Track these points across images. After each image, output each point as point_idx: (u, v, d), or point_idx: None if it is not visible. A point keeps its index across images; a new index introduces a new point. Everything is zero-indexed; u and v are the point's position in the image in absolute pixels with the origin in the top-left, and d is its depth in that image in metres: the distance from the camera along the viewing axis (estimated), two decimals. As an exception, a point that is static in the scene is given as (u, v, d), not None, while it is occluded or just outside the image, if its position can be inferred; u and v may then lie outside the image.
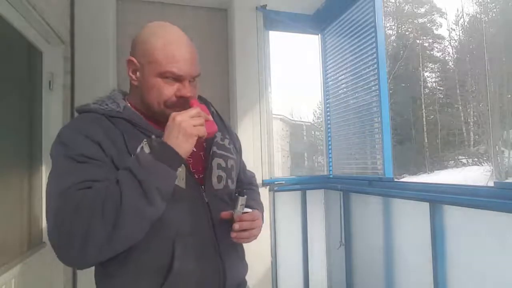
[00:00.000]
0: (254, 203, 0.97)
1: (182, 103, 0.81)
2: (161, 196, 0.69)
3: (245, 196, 0.82)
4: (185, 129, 0.71)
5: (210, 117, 0.79)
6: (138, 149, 0.74)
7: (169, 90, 0.80)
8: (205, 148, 0.89)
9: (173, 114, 0.73)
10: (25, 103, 1.54)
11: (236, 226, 0.80)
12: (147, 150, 0.70)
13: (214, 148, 0.89)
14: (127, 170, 0.68)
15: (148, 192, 0.67)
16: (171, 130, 0.72)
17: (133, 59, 0.82)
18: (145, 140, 0.77)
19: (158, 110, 0.81)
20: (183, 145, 0.71)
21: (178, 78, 0.80)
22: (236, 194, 0.82)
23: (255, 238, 0.86)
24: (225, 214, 0.83)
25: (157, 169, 0.68)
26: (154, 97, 0.80)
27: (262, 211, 0.99)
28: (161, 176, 0.69)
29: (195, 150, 0.87)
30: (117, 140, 0.76)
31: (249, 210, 0.85)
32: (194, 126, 0.72)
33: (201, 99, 1.00)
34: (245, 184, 1.06)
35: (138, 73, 0.82)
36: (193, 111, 0.74)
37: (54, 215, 0.67)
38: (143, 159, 0.68)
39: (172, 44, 0.80)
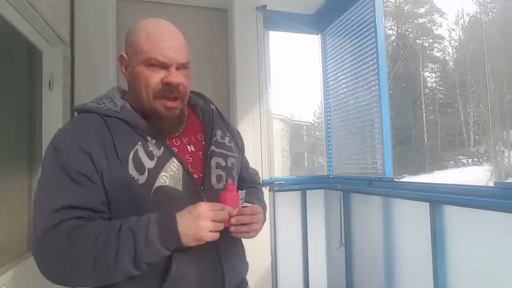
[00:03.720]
0: (257, 201, 0.96)
1: (170, 90, 0.79)
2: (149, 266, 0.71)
3: (244, 191, 0.82)
4: (200, 231, 0.70)
5: (236, 211, 0.78)
6: (131, 155, 0.75)
7: (155, 77, 0.78)
8: (204, 147, 0.88)
9: (201, 203, 0.72)
10: (25, 103, 1.54)
11: (234, 220, 0.79)
12: (155, 227, 0.69)
13: (213, 147, 0.88)
14: (132, 237, 0.68)
15: (140, 264, 0.69)
16: (187, 219, 0.71)
17: (123, 54, 0.83)
18: (139, 142, 0.77)
19: (148, 104, 0.80)
20: (189, 241, 0.71)
21: (163, 65, 0.78)
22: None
23: (256, 234, 0.84)
24: None
25: (158, 252, 0.69)
26: (142, 87, 0.79)
27: (264, 209, 0.97)
28: (157, 256, 0.70)
29: (193, 150, 0.86)
30: (108, 148, 0.75)
31: (249, 204, 0.84)
32: (210, 231, 0.71)
33: (201, 97, 0.99)
34: (247, 182, 1.05)
35: (129, 68, 0.82)
36: (222, 213, 0.73)
37: (41, 238, 0.69)
38: (150, 236, 0.69)
39: (157, 32, 0.79)
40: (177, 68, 0.79)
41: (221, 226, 0.73)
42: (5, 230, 1.30)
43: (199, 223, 0.69)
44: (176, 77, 0.78)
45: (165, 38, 0.78)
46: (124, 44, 0.85)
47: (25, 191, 1.47)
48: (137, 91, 0.81)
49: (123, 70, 0.84)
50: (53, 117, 1.68)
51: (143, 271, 0.71)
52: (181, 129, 0.88)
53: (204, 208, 0.71)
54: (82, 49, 1.89)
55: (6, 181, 1.32)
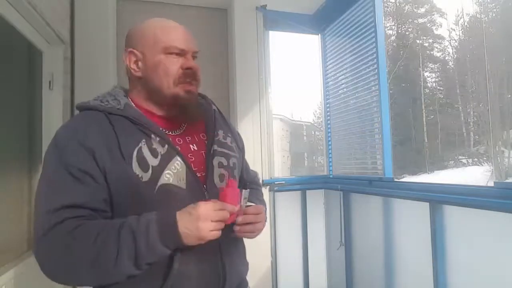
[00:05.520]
0: (258, 202, 0.96)
1: (190, 75, 0.83)
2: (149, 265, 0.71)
3: (248, 190, 0.82)
4: (200, 232, 0.70)
5: (237, 208, 0.77)
6: (135, 152, 0.74)
7: (175, 64, 0.82)
8: (207, 146, 0.88)
9: (200, 203, 0.72)
10: (25, 103, 1.54)
11: (239, 218, 0.79)
12: (155, 228, 0.69)
13: (215, 147, 0.88)
14: (132, 238, 0.68)
15: (141, 264, 0.69)
16: (187, 220, 0.70)
17: (133, 50, 0.83)
18: (143, 140, 0.77)
19: (169, 92, 0.82)
20: (190, 241, 0.71)
21: (181, 53, 0.82)
22: (239, 188, 0.82)
23: (259, 233, 0.85)
24: None
25: (159, 252, 0.70)
26: (162, 76, 0.81)
27: (265, 209, 0.98)
28: (158, 256, 0.70)
29: (196, 149, 0.87)
30: (112, 145, 0.75)
31: (252, 204, 0.84)
32: (211, 231, 0.71)
33: (203, 97, 0.99)
34: (248, 183, 1.05)
35: (140, 63, 0.83)
36: (222, 213, 0.73)
37: (41, 237, 0.69)
38: (151, 237, 0.68)
39: (170, 26, 0.85)
40: (192, 56, 0.85)
41: (222, 225, 0.73)
42: (5, 230, 1.30)
43: (198, 224, 0.70)
44: (193, 62, 0.84)
45: (179, 30, 0.85)
46: (129, 44, 0.85)
47: (25, 191, 1.47)
48: (155, 83, 0.82)
49: (132, 65, 0.84)
50: (53, 117, 1.68)
51: (144, 270, 0.71)
52: (184, 128, 0.89)
53: (204, 208, 0.71)
54: (82, 49, 1.89)
55: (6, 181, 1.32)
